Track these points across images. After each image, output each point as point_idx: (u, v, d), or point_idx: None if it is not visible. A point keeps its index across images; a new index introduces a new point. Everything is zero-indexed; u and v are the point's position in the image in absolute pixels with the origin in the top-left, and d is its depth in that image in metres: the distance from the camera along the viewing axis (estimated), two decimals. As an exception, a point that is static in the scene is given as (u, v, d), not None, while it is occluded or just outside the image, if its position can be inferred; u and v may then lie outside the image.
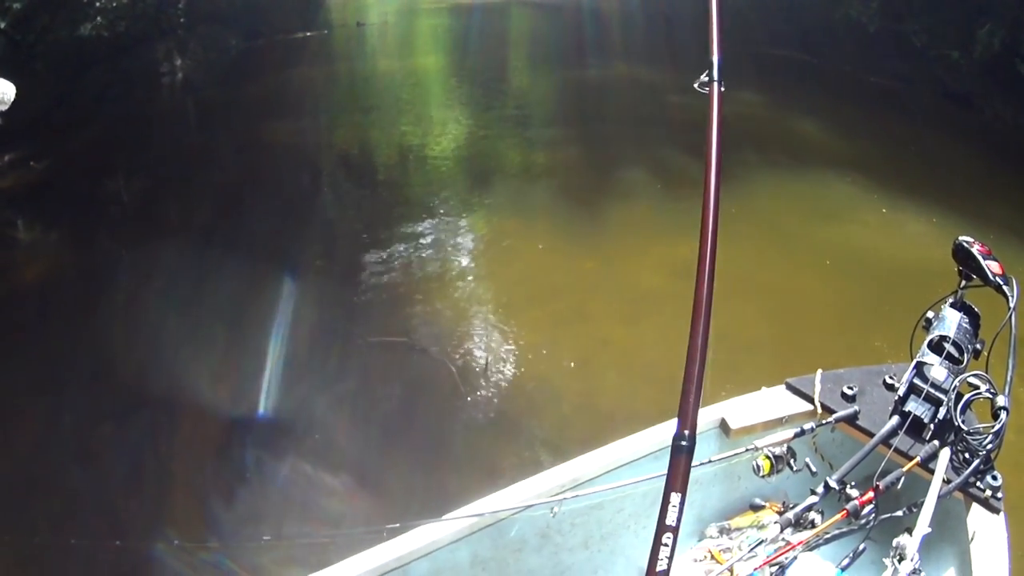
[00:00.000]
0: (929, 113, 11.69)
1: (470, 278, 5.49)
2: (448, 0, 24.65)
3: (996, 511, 1.96)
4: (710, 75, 1.36)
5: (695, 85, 1.38)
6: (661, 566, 1.06)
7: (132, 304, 5.11)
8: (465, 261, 5.74)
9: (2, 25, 8.10)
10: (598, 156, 8.51)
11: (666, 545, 1.07)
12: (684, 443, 1.15)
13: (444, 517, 1.85)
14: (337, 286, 5.32)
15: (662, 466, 1.69)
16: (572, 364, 4.40)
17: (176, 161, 8.30)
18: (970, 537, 1.94)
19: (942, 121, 11.32)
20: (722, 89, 1.35)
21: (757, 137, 9.22)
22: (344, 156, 9.09)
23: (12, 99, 0.65)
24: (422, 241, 6.00)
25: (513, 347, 4.56)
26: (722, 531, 2.21)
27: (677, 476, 1.13)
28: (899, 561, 1.64)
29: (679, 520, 1.09)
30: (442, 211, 6.64)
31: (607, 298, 5.14)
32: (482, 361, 4.39)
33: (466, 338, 4.67)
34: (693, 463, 1.77)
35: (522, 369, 4.33)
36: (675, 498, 1.11)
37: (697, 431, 1.95)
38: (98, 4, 9.89)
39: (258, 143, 8.83)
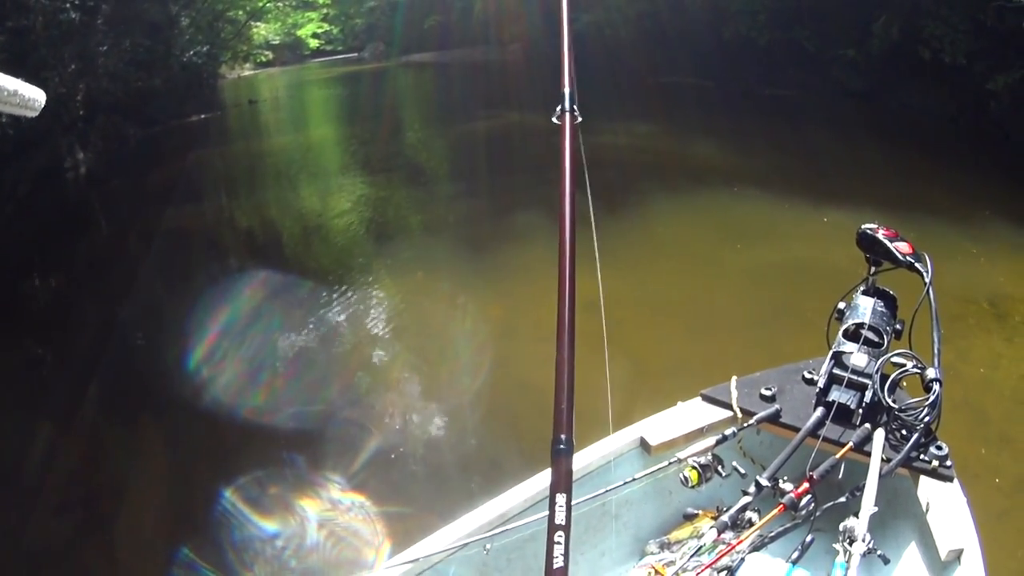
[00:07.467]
0: (829, 115, 12.28)
1: (382, 341, 5.62)
2: (335, 70, 24.83)
3: (948, 479, 1.97)
4: (563, 106, 1.41)
5: (553, 119, 1.41)
6: (558, 563, 1.11)
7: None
8: (377, 326, 5.81)
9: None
10: (495, 204, 8.78)
11: (559, 543, 1.12)
12: (562, 446, 1.21)
13: (382, 567, 1.84)
14: (250, 366, 5.29)
15: (587, 491, 1.96)
16: (492, 410, 4.47)
17: (88, 256, 8.44)
18: (925, 509, 1.96)
19: (844, 120, 11.93)
20: (578, 119, 1.39)
21: (657, 167, 9.66)
22: (248, 236, 9.16)
23: (42, 105, 0.67)
24: (333, 314, 6.04)
25: (434, 401, 4.65)
26: (662, 546, 2.20)
27: (560, 477, 1.18)
28: (850, 543, 1.65)
29: (568, 518, 1.14)
30: (350, 280, 6.68)
31: (517, 342, 5.20)
32: (402, 418, 4.52)
33: (384, 399, 4.71)
34: (617, 483, 2.02)
35: (445, 421, 4.46)
36: (560, 498, 1.15)
37: (618, 453, 2.28)
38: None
39: (164, 231, 8.92)
